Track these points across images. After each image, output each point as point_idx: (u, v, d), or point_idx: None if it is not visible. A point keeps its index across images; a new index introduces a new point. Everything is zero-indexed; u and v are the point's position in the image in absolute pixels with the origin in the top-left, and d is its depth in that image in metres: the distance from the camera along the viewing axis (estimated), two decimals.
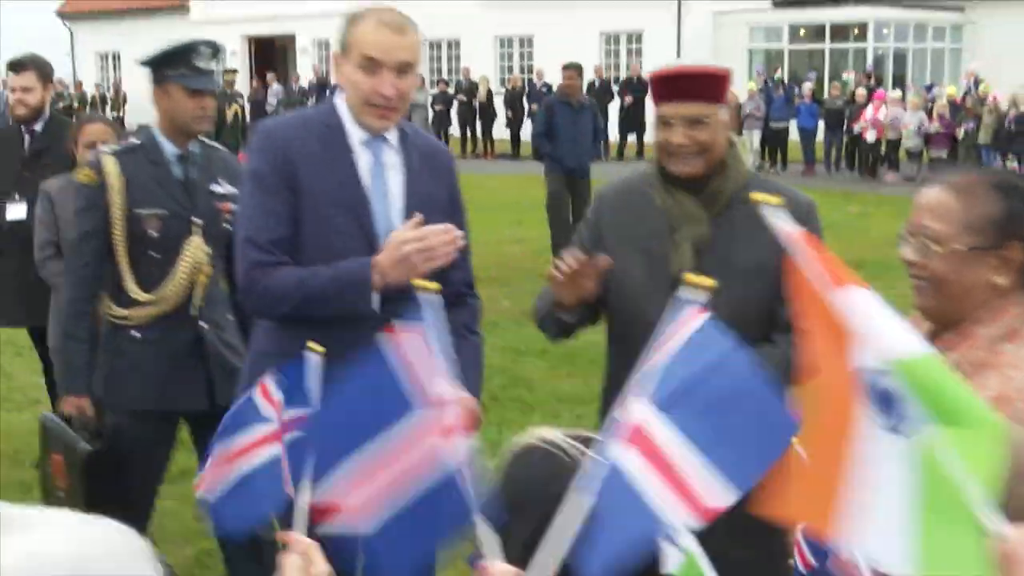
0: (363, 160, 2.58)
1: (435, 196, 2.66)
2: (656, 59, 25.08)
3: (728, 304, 2.42)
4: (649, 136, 18.64)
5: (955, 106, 16.73)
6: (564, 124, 9.62)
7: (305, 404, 1.73)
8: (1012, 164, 16.29)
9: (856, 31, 24.55)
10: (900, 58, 24.82)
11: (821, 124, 18.61)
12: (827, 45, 24.24)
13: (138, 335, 3.24)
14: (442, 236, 2.41)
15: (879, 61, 24.17)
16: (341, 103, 2.61)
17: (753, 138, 18.90)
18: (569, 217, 9.68)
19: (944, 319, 1.90)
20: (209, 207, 3.25)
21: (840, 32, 24.54)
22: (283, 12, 27.65)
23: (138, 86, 29.51)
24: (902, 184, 16.47)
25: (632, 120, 21.27)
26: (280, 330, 2.58)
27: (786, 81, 21.39)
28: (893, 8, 24.42)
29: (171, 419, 3.34)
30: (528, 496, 1.19)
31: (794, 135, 18.07)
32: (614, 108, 20.64)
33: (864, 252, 9.36)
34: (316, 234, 2.52)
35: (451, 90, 24.16)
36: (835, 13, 24.24)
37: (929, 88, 19.72)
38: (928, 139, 17.04)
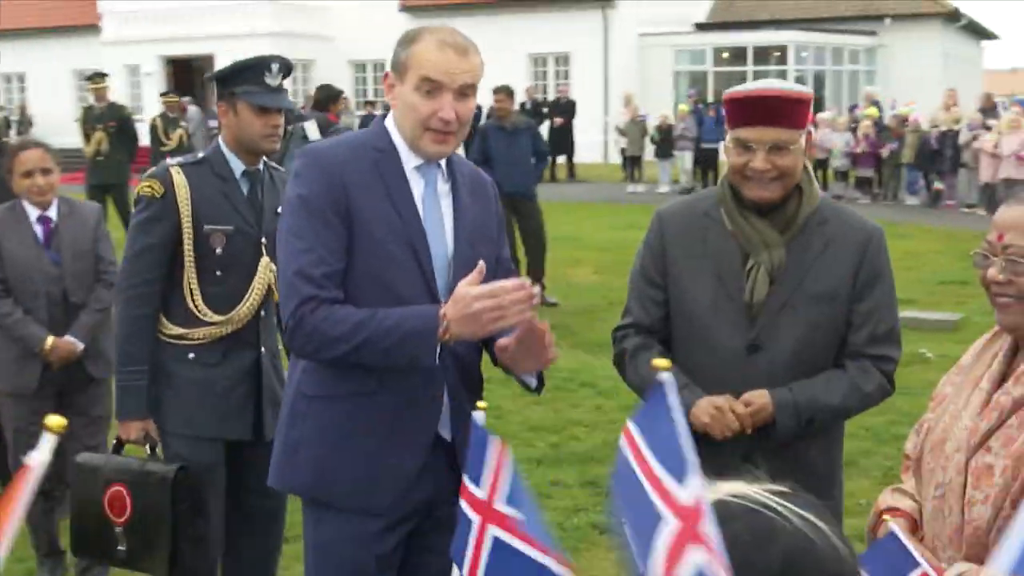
0: (417, 188, 2.40)
1: (484, 225, 2.50)
2: (584, 81, 25.21)
3: (799, 330, 2.43)
4: (579, 157, 18.78)
5: (880, 126, 17.13)
6: (499, 148, 9.41)
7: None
8: (936, 184, 16.70)
9: (777, 54, 25.17)
10: (819, 80, 25.53)
11: None
12: (750, 67, 24.69)
13: (192, 355, 3.11)
14: (515, 295, 2.17)
15: (800, 83, 24.73)
16: (392, 126, 2.41)
17: (685, 159, 19.08)
18: (514, 241, 9.47)
19: None
20: (273, 227, 3.09)
21: (761, 55, 25.10)
22: (200, 32, 26.98)
23: (46, 108, 28.34)
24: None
25: (561, 142, 21.26)
26: (327, 370, 2.35)
27: (709, 102, 21.71)
28: (811, 32, 25.15)
29: (219, 443, 3.21)
30: (745, 561, 1.00)
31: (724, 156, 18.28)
32: (543, 130, 20.60)
33: None
34: (369, 267, 2.31)
35: (378, 111, 23.91)
36: (756, 36, 24.86)
37: (852, 109, 20.25)
38: (855, 159, 17.40)
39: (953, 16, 26.24)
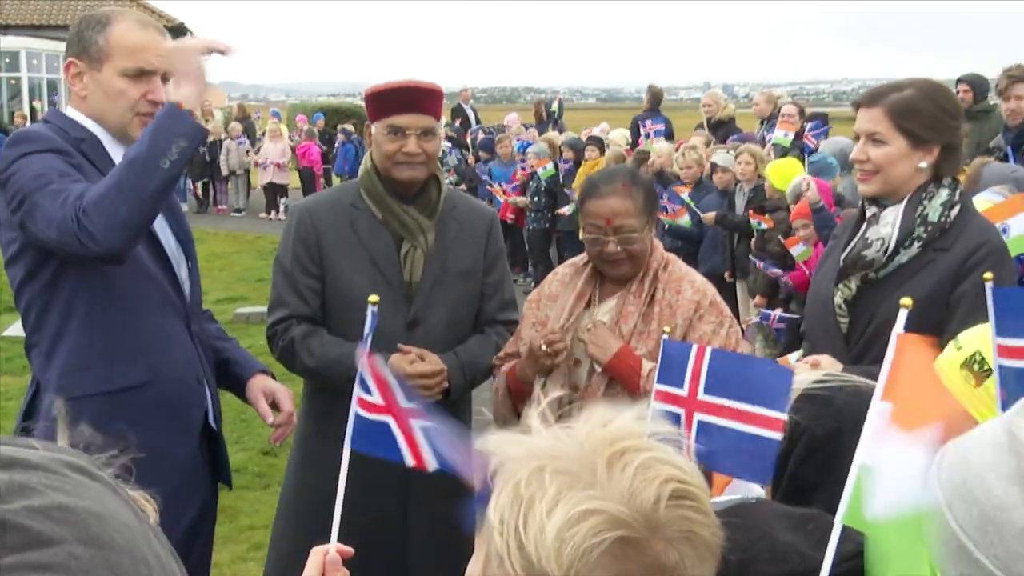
0: None
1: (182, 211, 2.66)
2: None
3: (448, 304, 2.89)
4: None
5: None
6: None
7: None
8: (198, 190, 17.57)
9: (8, 60, 23.72)
10: (52, 87, 24.72)
11: None
12: None
13: None
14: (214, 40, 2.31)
15: (32, 91, 23.76)
16: (79, 116, 2.34)
17: None
18: None
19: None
20: None
21: None
22: None
23: None
24: None
25: None
26: (94, 366, 2.28)
27: None
28: (42, 40, 24.15)
29: None
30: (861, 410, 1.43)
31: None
32: None
33: None
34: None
35: None
36: None
37: None
38: None
39: (179, 31, 27.47)
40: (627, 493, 0.91)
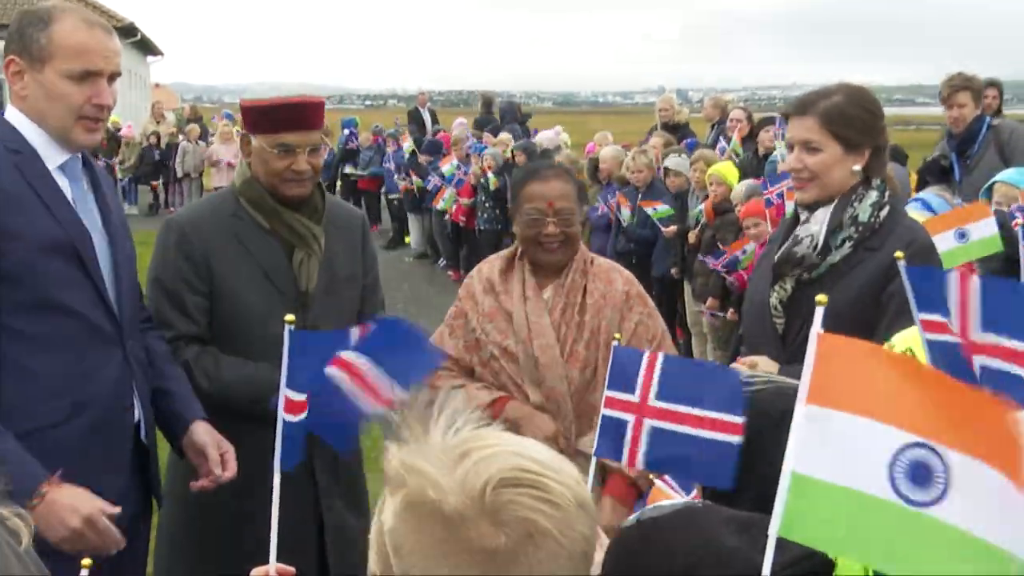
0: (66, 189, 2.21)
1: (124, 220, 2.42)
2: None
3: (340, 310, 2.81)
4: None
5: None
6: None
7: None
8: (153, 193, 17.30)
9: None
10: None
11: None
12: None
13: None
14: (111, 537, 2.11)
15: None
16: (20, 121, 2.17)
17: None
18: None
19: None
20: None
21: None
22: None
23: None
24: None
25: None
26: (11, 403, 2.10)
27: None
28: None
29: None
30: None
31: None
32: None
33: None
34: (31, 288, 2.09)
35: None
36: None
37: None
38: None
39: (129, 31, 27.02)
40: (461, 479, 0.94)
